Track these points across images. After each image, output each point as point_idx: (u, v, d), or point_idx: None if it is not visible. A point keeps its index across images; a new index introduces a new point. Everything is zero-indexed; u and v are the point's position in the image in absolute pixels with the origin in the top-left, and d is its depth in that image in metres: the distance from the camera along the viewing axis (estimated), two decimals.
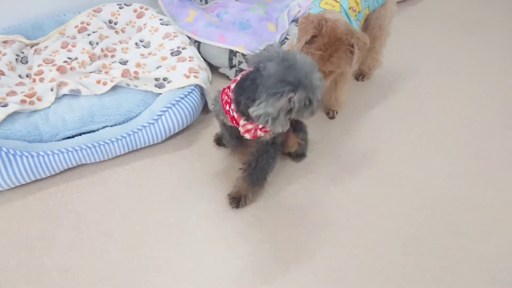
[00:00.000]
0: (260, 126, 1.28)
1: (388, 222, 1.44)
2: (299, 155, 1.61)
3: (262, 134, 1.32)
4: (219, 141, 1.64)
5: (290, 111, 1.13)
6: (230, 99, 1.27)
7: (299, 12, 2.24)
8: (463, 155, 1.68)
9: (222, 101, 1.31)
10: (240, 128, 1.30)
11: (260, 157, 1.38)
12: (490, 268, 1.34)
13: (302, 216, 1.44)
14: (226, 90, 1.31)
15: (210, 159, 1.60)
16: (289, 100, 1.10)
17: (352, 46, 1.41)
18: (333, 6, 1.58)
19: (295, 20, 2.24)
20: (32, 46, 1.82)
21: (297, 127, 1.51)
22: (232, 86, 1.28)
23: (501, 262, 1.35)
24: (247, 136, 1.31)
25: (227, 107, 1.29)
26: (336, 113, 1.82)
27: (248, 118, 1.22)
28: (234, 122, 1.30)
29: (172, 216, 1.42)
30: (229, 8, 2.19)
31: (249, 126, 1.28)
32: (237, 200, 1.44)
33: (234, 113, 1.27)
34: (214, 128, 1.70)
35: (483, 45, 2.27)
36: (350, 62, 1.45)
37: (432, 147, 1.71)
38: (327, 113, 1.82)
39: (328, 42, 1.40)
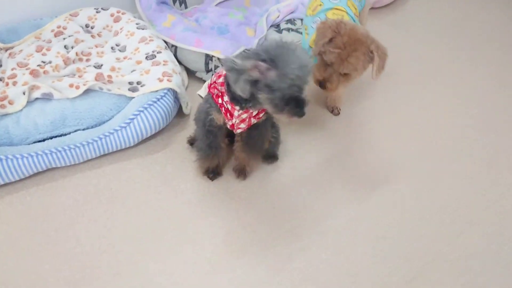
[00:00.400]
0: (254, 114, 1.31)
1: (358, 225, 1.45)
2: (271, 157, 1.61)
3: (255, 121, 1.37)
4: (192, 142, 1.64)
5: (256, 83, 1.15)
6: (222, 92, 1.29)
7: (278, 17, 2.25)
8: (435, 158, 1.69)
9: (212, 95, 1.33)
10: (234, 120, 1.32)
11: (261, 127, 1.42)
12: (456, 270, 1.34)
13: (272, 218, 1.44)
14: (213, 85, 1.33)
15: (182, 163, 1.60)
16: (257, 68, 1.11)
17: (372, 52, 1.40)
18: (342, 16, 1.58)
19: (274, 25, 2.25)
20: (6, 50, 1.82)
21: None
22: (220, 80, 1.30)
23: (467, 265, 1.36)
24: (242, 126, 1.35)
25: (220, 100, 1.31)
26: (340, 109, 1.84)
27: (243, 106, 1.27)
28: (227, 115, 1.32)
29: (141, 219, 1.41)
30: (207, 13, 2.20)
31: (244, 116, 1.31)
32: (242, 172, 1.54)
33: (229, 105, 1.29)
34: (188, 131, 1.70)
35: (461, 50, 2.29)
36: (367, 66, 1.44)
37: (404, 149, 1.72)
38: (332, 111, 1.84)
39: (348, 41, 1.39)
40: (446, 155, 1.71)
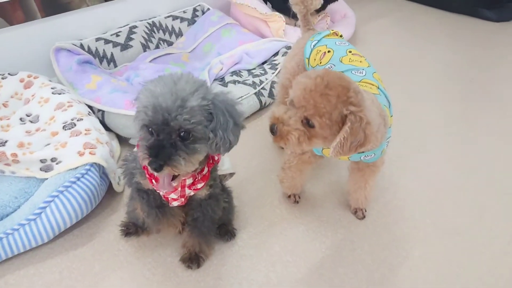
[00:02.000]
0: (188, 183, 1.05)
1: None
2: (226, 232, 1.31)
3: (192, 193, 1.09)
4: (128, 230, 1.30)
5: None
6: None
7: (221, 69, 2.03)
8: (420, 218, 1.45)
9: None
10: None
11: (205, 208, 1.15)
12: None
13: None
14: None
15: (115, 257, 1.24)
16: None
17: (347, 114, 0.96)
18: (360, 62, 1.27)
19: (218, 79, 2.02)
20: None
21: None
22: None
23: None
24: (174, 197, 1.07)
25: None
26: (365, 211, 1.44)
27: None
28: (153, 180, 1.02)
29: None
30: (140, 71, 1.93)
31: (174, 183, 0.99)
32: (193, 260, 1.22)
33: None
34: (121, 214, 1.36)
35: (415, 89, 2.16)
36: (335, 127, 0.99)
37: (381, 206, 1.47)
38: (355, 213, 1.44)
39: (324, 76, 0.98)
40: (429, 214, 1.47)
